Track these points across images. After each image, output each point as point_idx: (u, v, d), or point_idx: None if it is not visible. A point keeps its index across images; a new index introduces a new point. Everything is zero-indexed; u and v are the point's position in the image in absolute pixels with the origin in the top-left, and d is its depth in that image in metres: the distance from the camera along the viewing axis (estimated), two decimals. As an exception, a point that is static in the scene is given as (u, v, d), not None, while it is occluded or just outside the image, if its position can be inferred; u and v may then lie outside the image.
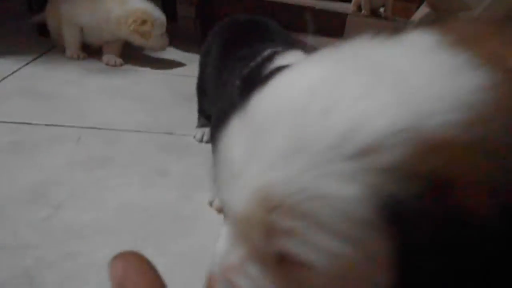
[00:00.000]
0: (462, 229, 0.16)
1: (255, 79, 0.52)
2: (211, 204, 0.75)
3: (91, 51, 1.46)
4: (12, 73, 1.20)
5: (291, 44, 0.68)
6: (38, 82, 1.17)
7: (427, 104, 0.16)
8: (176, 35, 1.65)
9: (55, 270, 0.57)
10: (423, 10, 2.16)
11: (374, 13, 2.55)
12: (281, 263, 0.19)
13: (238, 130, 0.21)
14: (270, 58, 0.58)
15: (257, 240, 0.19)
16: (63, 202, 0.71)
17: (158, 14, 1.32)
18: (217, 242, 0.24)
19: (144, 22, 1.25)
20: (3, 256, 0.58)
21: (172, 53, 1.62)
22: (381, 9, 2.59)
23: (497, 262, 0.16)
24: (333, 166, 0.16)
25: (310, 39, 0.66)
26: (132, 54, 1.51)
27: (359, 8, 2.58)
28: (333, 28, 2.35)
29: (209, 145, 0.94)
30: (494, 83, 0.17)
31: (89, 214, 0.69)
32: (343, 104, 0.17)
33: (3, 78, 1.16)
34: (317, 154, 0.17)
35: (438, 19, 2.10)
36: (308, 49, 0.62)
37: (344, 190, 0.16)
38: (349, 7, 2.58)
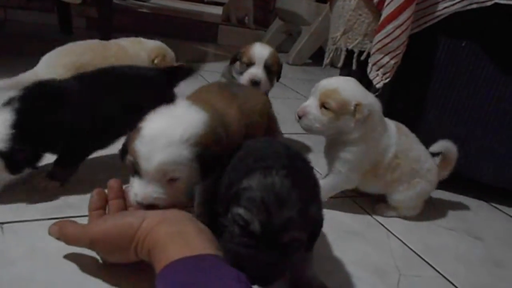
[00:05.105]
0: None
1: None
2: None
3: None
4: None
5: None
6: None
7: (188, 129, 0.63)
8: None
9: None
10: (277, 22, 2.78)
11: (240, 22, 3.10)
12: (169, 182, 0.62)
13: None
14: None
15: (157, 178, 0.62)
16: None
17: (170, 49, 1.42)
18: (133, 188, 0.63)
19: (164, 57, 1.37)
20: None
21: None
22: (246, 19, 3.14)
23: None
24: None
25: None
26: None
27: (227, 18, 3.10)
28: (210, 35, 2.83)
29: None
30: (208, 117, 0.67)
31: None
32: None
33: None
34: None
35: (287, 30, 2.75)
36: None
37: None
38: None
